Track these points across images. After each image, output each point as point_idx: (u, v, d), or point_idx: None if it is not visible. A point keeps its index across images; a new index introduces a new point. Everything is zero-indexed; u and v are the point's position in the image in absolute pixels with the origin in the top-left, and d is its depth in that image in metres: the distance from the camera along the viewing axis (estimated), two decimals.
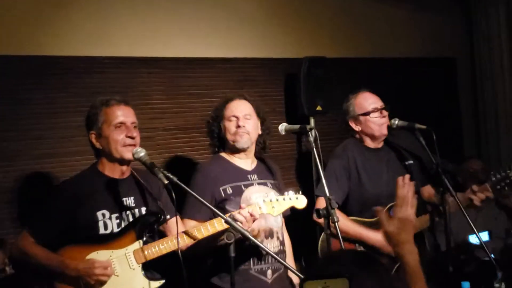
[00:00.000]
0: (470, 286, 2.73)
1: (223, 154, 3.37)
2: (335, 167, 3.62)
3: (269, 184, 3.35)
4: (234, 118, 3.28)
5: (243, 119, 3.28)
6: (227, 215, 2.80)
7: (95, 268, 2.77)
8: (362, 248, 3.54)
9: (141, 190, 3.07)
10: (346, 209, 3.57)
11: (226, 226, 2.77)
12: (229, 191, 3.23)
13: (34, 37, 3.69)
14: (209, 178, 3.24)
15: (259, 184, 3.31)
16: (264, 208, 2.98)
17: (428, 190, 3.82)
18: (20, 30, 3.64)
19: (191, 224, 3.08)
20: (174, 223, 2.88)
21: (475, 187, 3.54)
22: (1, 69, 3.58)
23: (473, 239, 4.11)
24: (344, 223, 3.41)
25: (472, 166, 4.70)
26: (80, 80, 3.83)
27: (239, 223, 2.78)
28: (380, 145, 3.73)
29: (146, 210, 3.04)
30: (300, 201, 3.03)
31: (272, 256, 2.87)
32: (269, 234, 3.27)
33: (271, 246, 3.25)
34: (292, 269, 2.80)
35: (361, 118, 3.65)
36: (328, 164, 3.66)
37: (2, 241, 2.84)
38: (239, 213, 2.88)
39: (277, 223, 3.32)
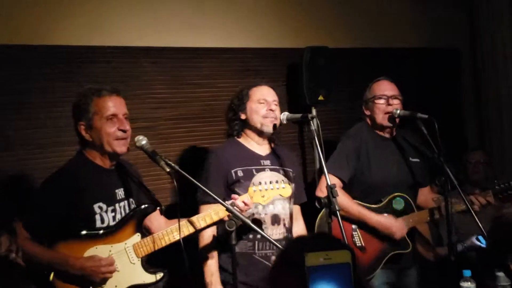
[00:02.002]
0: (471, 275, 2.71)
1: (239, 139, 3.37)
2: (346, 146, 3.64)
3: (281, 171, 3.35)
4: (264, 101, 3.30)
5: (273, 105, 3.30)
6: (228, 202, 2.80)
7: (102, 266, 2.70)
8: (358, 231, 3.55)
9: (127, 180, 3.01)
10: (349, 192, 3.58)
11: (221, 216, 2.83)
12: (240, 174, 3.23)
13: (35, 27, 3.67)
14: (222, 160, 3.25)
15: (271, 170, 3.31)
16: (255, 197, 2.97)
17: (424, 193, 3.79)
18: (20, 19, 3.63)
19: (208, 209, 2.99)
20: (155, 215, 2.95)
21: (478, 192, 3.62)
22: (1, 58, 3.57)
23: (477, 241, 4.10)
24: (347, 201, 3.44)
25: (475, 157, 4.68)
26: (82, 70, 3.82)
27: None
28: (389, 135, 3.73)
29: (137, 201, 2.98)
30: (285, 190, 3.05)
31: (271, 242, 2.89)
32: (275, 220, 3.26)
33: (276, 232, 3.25)
34: None
35: (370, 102, 3.69)
36: (340, 143, 3.68)
37: (7, 225, 2.61)
38: (232, 204, 2.85)
39: (285, 211, 3.31)
